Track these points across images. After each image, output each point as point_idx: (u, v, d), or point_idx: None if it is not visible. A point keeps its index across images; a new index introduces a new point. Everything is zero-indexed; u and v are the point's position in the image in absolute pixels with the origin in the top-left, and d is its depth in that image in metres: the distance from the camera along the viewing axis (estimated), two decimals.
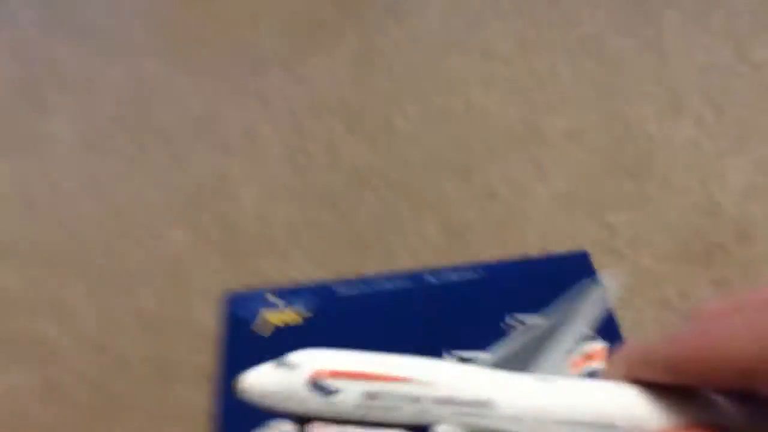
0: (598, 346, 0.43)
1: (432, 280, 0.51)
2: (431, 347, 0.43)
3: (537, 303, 0.35)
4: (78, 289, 0.60)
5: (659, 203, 0.62)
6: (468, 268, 0.51)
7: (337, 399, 0.24)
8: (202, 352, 0.55)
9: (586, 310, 0.32)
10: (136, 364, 0.55)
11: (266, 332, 0.48)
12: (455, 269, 0.51)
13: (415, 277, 0.51)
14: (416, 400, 0.24)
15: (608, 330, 0.45)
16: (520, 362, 0.27)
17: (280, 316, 0.49)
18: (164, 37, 0.84)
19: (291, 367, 0.24)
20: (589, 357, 0.42)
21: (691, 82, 0.71)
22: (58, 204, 0.68)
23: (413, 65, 0.77)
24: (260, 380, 0.25)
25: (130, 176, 0.70)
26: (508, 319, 0.44)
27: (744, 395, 0.25)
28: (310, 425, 0.25)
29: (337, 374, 0.24)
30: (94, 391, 0.54)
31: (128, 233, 0.65)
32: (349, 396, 0.24)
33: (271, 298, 0.50)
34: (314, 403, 0.24)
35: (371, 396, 0.24)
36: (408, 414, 0.24)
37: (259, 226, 0.64)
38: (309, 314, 0.49)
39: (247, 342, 0.48)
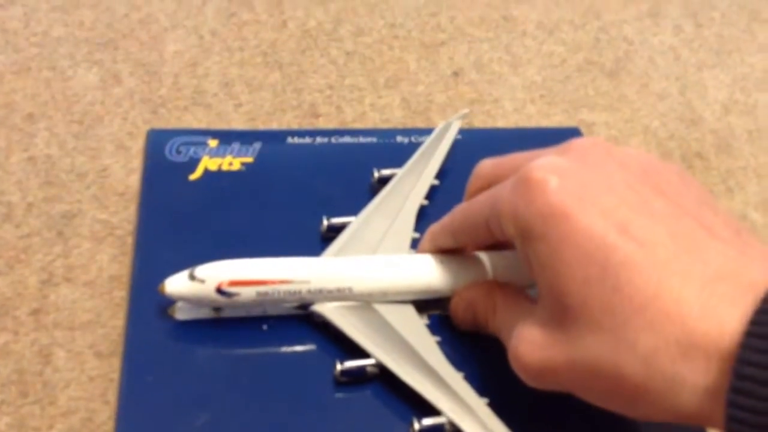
0: None
1: (401, 138, 0.43)
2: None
3: None
4: None
5: (637, 106, 0.57)
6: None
7: (239, 299, 0.33)
8: (111, 210, 0.45)
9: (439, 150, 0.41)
10: (26, 214, 0.45)
11: (196, 176, 0.40)
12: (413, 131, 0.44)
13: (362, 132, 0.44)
14: (296, 293, 0.34)
15: None
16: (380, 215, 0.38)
17: (217, 161, 0.40)
18: None
19: (201, 281, 0.33)
20: None
21: None
22: None
23: None
24: (178, 289, 0.33)
25: (28, 3, 0.57)
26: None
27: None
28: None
29: (235, 283, 0.33)
30: None
31: (29, 68, 0.53)
32: (246, 296, 0.33)
33: (209, 142, 0.41)
34: (221, 302, 0.33)
35: (262, 294, 0.33)
36: (291, 302, 0.34)
37: (188, 79, 0.54)
38: (250, 160, 0.41)
39: (171, 187, 0.39)
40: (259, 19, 0.60)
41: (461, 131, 0.43)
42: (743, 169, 0.54)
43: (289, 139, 0.43)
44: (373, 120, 0.54)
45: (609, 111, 0.57)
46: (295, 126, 0.53)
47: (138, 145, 0.47)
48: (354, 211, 0.38)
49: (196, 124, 0.51)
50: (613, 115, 0.57)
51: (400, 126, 0.54)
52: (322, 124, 0.53)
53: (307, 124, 0.53)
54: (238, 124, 0.52)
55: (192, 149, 0.41)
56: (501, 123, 0.55)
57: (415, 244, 0.37)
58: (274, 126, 0.52)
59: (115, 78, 0.53)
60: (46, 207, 0.45)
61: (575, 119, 0.56)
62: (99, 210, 0.45)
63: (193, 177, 0.40)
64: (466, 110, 0.46)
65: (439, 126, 0.43)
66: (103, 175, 0.47)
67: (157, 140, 0.41)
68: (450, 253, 0.35)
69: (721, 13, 0.66)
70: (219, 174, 0.40)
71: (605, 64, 0.60)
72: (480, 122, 0.55)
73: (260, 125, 0.52)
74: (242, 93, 0.54)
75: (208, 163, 0.40)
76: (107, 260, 0.43)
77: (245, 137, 0.42)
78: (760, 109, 0.58)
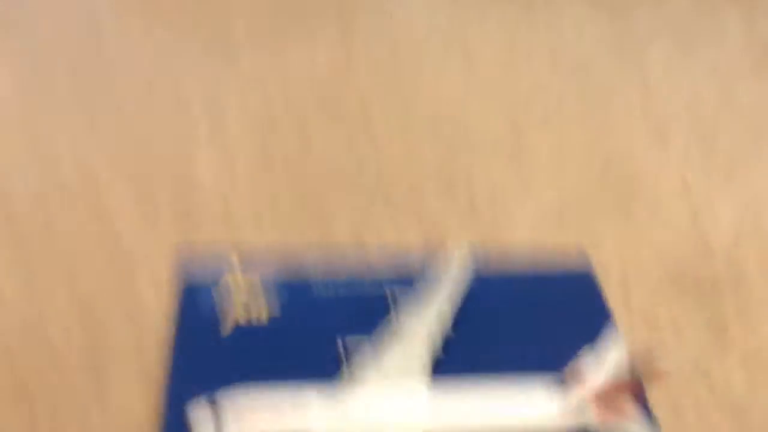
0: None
1: (414, 282, 0.46)
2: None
3: None
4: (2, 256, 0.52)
5: (648, 229, 0.59)
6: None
7: None
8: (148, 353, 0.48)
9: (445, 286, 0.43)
10: (69, 355, 0.48)
11: (226, 330, 0.42)
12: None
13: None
14: None
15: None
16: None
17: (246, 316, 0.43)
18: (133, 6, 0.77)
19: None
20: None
21: (676, 116, 0.70)
22: None
23: (395, 68, 0.73)
24: None
25: (74, 131, 0.62)
26: None
27: None
28: None
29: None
30: (17, 386, 0.46)
31: (65, 191, 0.57)
32: None
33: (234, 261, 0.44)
34: None
35: None
36: None
37: (220, 205, 0.58)
38: (276, 314, 0.43)
39: (204, 342, 0.42)
40: (287, 149, 0.63)
41: (478, 278, 0.45)
42: (759, 301, 0.55)
43: (314, 290, 0.45)
44: (393, 249, 0.57)
45: (620, 236, 0.59)
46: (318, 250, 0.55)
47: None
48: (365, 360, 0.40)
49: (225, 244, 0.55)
50: (623, 240, 0.58)
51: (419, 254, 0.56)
52: (344, 251, 0.56)
53: (332, 251, 0.56)
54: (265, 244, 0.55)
55: (222, 298, 0.44)
56: (515, 249, 0.57)
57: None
58: (298, 247, 0.55)
59: (149, 199, 0.57)
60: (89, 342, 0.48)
61: (588, 242, 0.58)
62: (138, 353, 0.48)
63: (224, 331, 0.42)
64: (464, 244, 0.47)
65: (447, 258, 0.44)
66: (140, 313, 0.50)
67: (188, 292, 0.44)
68: None
69: (729, 134, 0.68)
70: (247, 329, 0.42)
71: (615, 191, 0.62)
72: (495, 250, 0.57)
73: (285, 247, 0.55)
74: (267, 215, 0.57)
75: (239, 318, 0.43)
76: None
77: (272, 284, 0.45)
78: None
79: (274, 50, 0.74)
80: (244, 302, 0.43)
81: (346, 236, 0.57)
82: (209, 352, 0.41)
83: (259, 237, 0.56)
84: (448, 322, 0.42)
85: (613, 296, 0.54)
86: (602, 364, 0.39)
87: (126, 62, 0.71)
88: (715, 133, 0.68)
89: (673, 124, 0.69)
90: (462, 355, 0.38)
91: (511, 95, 0.71)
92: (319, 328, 0.43)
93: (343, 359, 0.40)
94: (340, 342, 0.42)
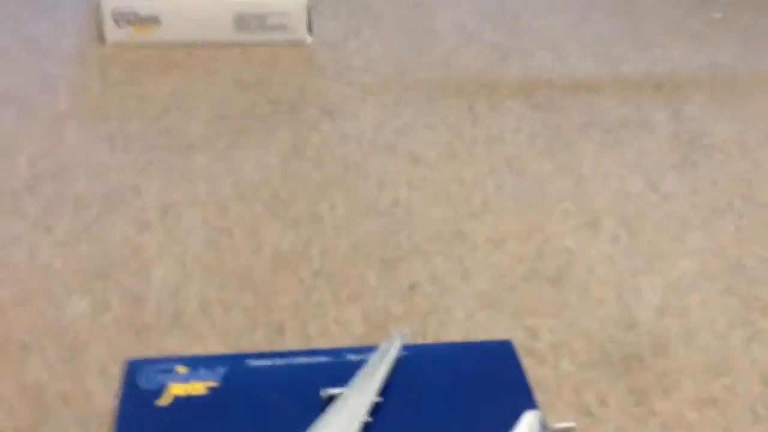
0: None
1: (352, 357, 0.49)
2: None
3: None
4: None
5: (578, 312, 0.63)
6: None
7: None
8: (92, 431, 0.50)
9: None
10: None
11: (166, 402, 0.44)
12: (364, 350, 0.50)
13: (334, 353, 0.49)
14: None
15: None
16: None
17: (185, 387, 0.46)
18: (89, 109, 0.82)
19: None
20: None
21: (606, 204, 0.75)
22: None
23: (344, 162, 0.78)
24: None
25: (33, 240, 0.65)
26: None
27: None
28: None
29: None
30: None
31: (25, 299, 0.60)
32: None
33: (178, 368, 0.47)
34: None
35: None
36: None
37: (170, 304, 0.61)
38: (215, 384, 0.46)
39: (143, 413, 0.44)
40: (237, 245, 0.67)
41: (405, 347, 0.49)
42: (678, 370, 0.58)
43: (250, 362, 0.48)
44: (335, 334, 0.59)
45: (552, 317, 0.62)
46: (263, 342, 0.58)
47: (120, 370, 0.53)
48: (305, 430, 0.43)
49: (174, 346, 0.57)
50: (556, 320, 0.62)
51: (360, 339, 0.59)
52: (288, 339, 0.59)
53: (275, 340, 0.58)
54: (213, 344, 0.57)
55: (163, 376, 0.46)
56: (453, 331, 0.60)
57: None
58: (245, 344, 0.58)
59: (104, 306, 0.60)
60: None
61: (521, 325, 0.61)
62: None
63: (162, 403, 0.45)
64: (406, 329, 0.52)
65: (382, 345, 0.48)
66: (87, 398, 0.52)
67: (133, 370, 0.47)
68: None
69: (653, 222, 0.73)
70: (186, 399, 0.45)
71: (548, 273, 0.67)
72: (433, 331, 0.60)
73: (233, 344, 0.58)
74: (218, 314, 0.60)
75: (176, 389, 0.45)
76: None
77: (211, 363, 0.47)
78: (692, 311, 0.64)
79: (228, 151, 0.79)
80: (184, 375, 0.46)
81: (289, 316, 0.60)
82: (149, 425, 0.43)
83: (211, 347, 0.58)
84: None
85: (543, 373, 0.57)
86: None
87: (89, 180, 0.75)
88: (641, 221, 0.73)
89: (602, 212, 0.74)
90: (387, 419, 0.40)
91: (451, 188, 0.76)
92: (259, 398, 0.45)
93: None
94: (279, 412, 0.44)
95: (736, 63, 0.99)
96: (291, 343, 0.58)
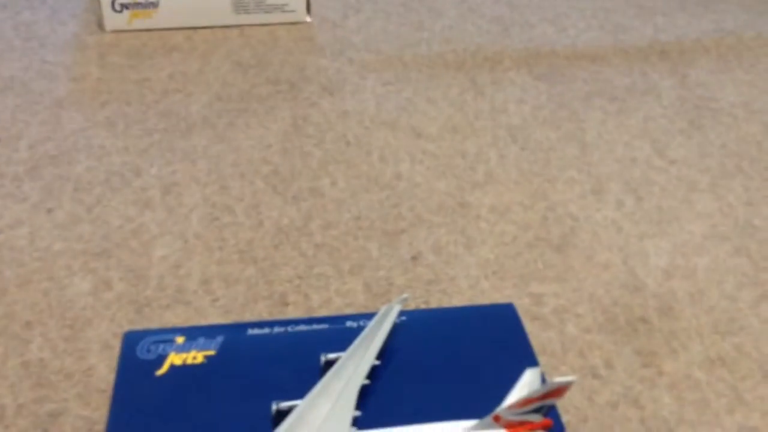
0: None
1: (351, 323, 0.48)
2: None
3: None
4: None
5: (583, 277, 0.62)
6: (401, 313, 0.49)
7: None
8: (93, 407, 0.50)
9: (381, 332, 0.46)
10: (15, 415, 0.49)
11: (164, 372, 0.44)
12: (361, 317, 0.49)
13: (335, 319, 0.49)
14: None
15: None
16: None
17: (183, 357, 0.45)
18: (89, 93, 0.82)
19: None
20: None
21: (611, 171, 0.74)
22: None
23: (345, 137, 0.77)
24: None
25: (34, 222, 0.65)
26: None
27: None
28: None
29: None
30: None
31: (27, 281, 0.60)
32: None
33: (177, 339, 0.47)
34: None
35: None
36: None
37: (172, 280, 0.60)
38: (214, 353, 0.45)
39: (141, 384, 0.44)
40: (238, 221, 0.67)
41: (402, 313, 0.48)
42: (686, 330, 0.57)
43: (249, 331, 0.48)
44: (338, 305, 0.59)
45: (557, 282, 0.61)
46: (265, 315, 0.58)
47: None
48: (304, 395, 0.42)
49: (175, 321, 0.57)
50: (560, 286, 0.61)
51: (362, 309, 0.59)
52: (290, 311, 0.58)
53: (277, 313, 0.58)
54: (214, 317, 0.57)
55: (161, 347, 0.46)
56: (456, 300, 0.60)
57: (355, 422, 0.41)
58: (247, 317, 0.57)
59: (106, 284, 0.60)
60: (34, 407, 0.50)
61: (525, 292, 0.61)
62: (82, 407, 0.50)
63: (159, 372, 0.44)
64: (405, 295, 0.51)
65: (381, 310, 0.48)
66: (88, 374, 0.52)
67: (131, 341, 0.46)
68: None
69: (660, 186, 0.72)
70: (183, 368, 0.45)
71: (553, 240, 0.66)
72: (436, 300, 0.60)
73: (234, 317, 0.57)
74: (219, 288, 0.60)
75: (174, 359, 0.45)
76: None
77: (209, 332, 0.47)
78: (699, 273, 0.63)
79: (228, 131, 0.78)
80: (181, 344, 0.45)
81: (291, 289, 0.60)
82: (146, 393, 0.43)
83: (213, 320, 0.58)
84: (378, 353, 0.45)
85: (548, 337, 0.57)
86: (521, 401, 0.41)
87: (89, 162, 0.75)
88: (647, 186, 0.72)
89: (607, 179, 0.73)
90: (386, 382, 0.40)
91: (454, 159, 0.75)
92: (257, 365, 0.45)
93: (273, 408, 0.42)
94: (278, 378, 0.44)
95: (741, 27, 0.98)
96: (293, 314, 0.58)
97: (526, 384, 0.41)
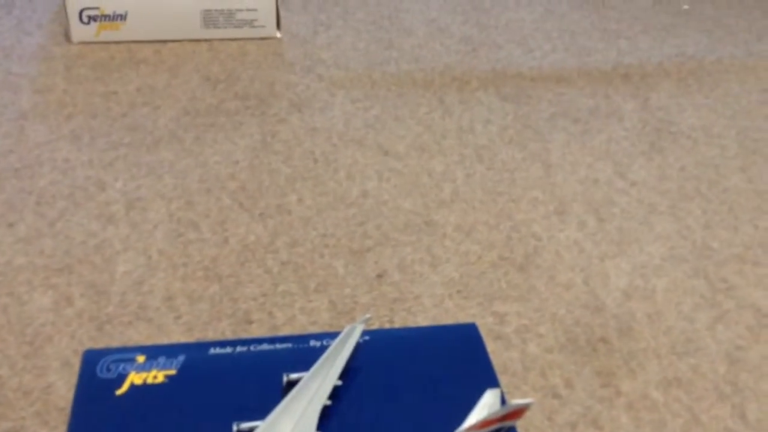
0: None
1: (314, 343, 0.48)
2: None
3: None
4: None
5: (546, 296, 0.63)
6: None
7: None
8: (51, 425, 0.49)
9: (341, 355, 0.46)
10: None
11: (124, 391, 0.44)
12: (325, 336, 0.49)
13: (299, 339, 0.49)
14: None
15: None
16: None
17: (144, 376, 0.45)
18: (54, 106, 0.81)
19: None
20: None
21: (574, 192, 0.75)
22: None
23: (313, 154, 0.78)
24: None
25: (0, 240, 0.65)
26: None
27: None
28: None
29: None
30: None
31: None
32: None
33: (137, 358, 0.46)
34: None
35: None
36: None
37: (134, 297, 0.60)
38: (175, 372, 0.45)
39: (99, 403, 0.43)
40: (203, 237, 0.67)
41: (365, 332, 0.48)
42: (644, 351, 0.59)
43: (211, 350, 0.47)
44: (302, 323, 0.59)
45: (520, 302, 0.62)
46: (229, 333, 0.58)
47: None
48: (266, 415, 0.42)
49: (137, 338, 0.56)
50: (523, 305, 0.62)
51: (326, 328, 0.59)
52: (254, 329, 0.58)
53: (241, 331, 0.58)
54: (177, 335, 0.57)
55: (122, 366, 0.46)
56: (420, 318, 0.60)
57: None
58: (210, 335, 0.57)
59: (67, 300, 0.59)
60: None
61: (489, 311, 0.61)
62: (40, 426, 0.49)
63: (119, 392, 0.44)
64: (368, 315, 0.52)
65: (344, 330, 0.48)
66: (47, 392, 0.51)
67: (90, 360, 0.46)
68: None
69: (621, 208, 0.74)
70: (143, 387, 0.44)
71: (516, 260, 0.67)
72: (401, 319, 0.60)
73: (197, 335, 0.57)
74: (182, 306, 0.60)
75: (135, 378, 0.45)
76: None
77: (170, 351, 0.47)
78: (658, 294, 0.64)
79: (195, 146, 0.78)
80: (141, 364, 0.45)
81: (255, 307, 0.59)
82: (105, 413, 0.42)
83: (175, 338, 0.58)
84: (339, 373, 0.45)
85: (510, 357, 0.57)
86: (480, 423, 0.41)
87: (53, 176, 0.74)
88: (609, 207, 0.73)
89: (570, 199, 0.74)
90: (348, 403, 0.40)
91: (421, 178, 0.76)
92: (219, 384, 0.45)
93: (234, 430, 0.42)
94: (240, 398, 0.44)
95: (702, 52, 1.00)
96: (257, 333, 0.58)
97: (486, 405, 0.42)
